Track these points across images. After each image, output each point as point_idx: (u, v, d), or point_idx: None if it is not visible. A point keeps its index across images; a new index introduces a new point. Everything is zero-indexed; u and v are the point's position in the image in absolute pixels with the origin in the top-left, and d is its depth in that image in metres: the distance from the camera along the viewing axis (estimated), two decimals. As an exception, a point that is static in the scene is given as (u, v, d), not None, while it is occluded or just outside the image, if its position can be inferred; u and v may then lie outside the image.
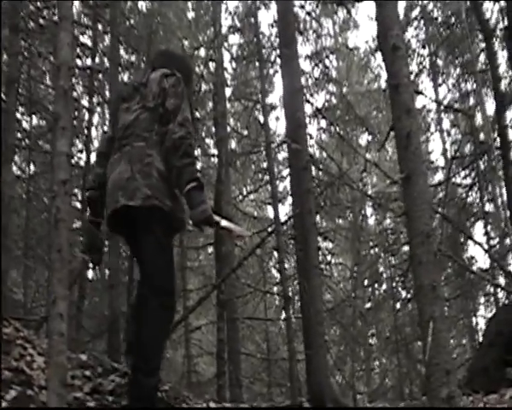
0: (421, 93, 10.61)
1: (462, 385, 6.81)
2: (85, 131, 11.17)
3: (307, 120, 9.97)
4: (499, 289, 11.61)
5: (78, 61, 10.44)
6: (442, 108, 13.58)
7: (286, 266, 11.90)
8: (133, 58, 10.84)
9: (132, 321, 4.41)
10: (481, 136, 10.56)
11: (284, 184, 12.10)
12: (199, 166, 11.86)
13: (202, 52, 10.59)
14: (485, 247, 11.11)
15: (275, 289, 12.20)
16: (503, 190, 6.63)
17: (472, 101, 12.17)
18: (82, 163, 11.03)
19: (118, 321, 9.87)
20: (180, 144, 4.18)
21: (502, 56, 9.57)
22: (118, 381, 4.77)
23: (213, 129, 10.84)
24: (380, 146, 6.14)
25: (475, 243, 10.60)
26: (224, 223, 4.12)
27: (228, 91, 10.84)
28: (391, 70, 3.15)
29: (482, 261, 14.51)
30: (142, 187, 4.19)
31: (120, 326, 9.95)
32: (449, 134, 14.16)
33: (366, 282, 13.57)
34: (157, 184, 4.21)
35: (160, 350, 4.02)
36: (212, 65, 10.26)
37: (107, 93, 11.00)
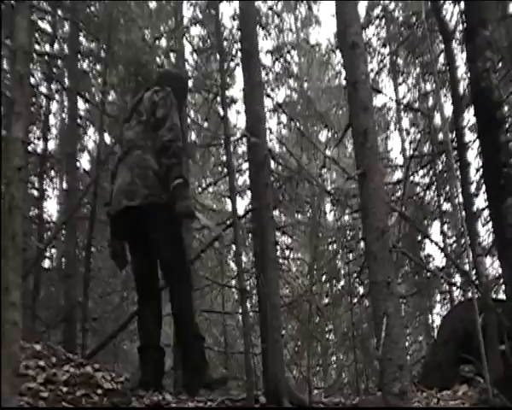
0: (380, 92, 10.71)
1: (416, 381, 6.91)
2: (43, 119, 11.03)
3: (267, 114, 10.03)
4: (455, 288, 11.81)
5: (37, 47, 10.29)
6: (402, 107, 13.72)
7: (244, 259, 11.96)
8: (93, 46, 10.73)
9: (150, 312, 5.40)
10: (440, 136, 10.71)
11: (244, 178, 12.12)
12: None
13: (163, 42, 10.53)
14: (442, 246, 11.29)
15: (233, 282, 12.21)
16: (460, 190, 6.77)
17: (431, 101, 12.34)
18: (39, 150, 10.89)
19: (74, 311, 9.77)
20: (169, 146, 4.97)
21: (461, 58, 9.71)
22: (72, 371, 4.74)
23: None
24: (337, 142, 6.19)
25: (432, 241, 10.75)
26: (203, 221, 5.29)
27: (189, 83, 10.80)
28: (349, 67, 3.17)
29: (439, 260, 14.71)
30: (141, 188, 4.96)
31: (76, 317, 9.86)
32: (408, 133, 14.31)
33: (324, 277, 13.65)
34: (153, 183, 4.97)
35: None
36: (172, 56, 10.21)
37: (66, 80, 10.87)
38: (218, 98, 9.58)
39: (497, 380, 5.25)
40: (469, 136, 10.01)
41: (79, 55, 10.62)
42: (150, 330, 5.50)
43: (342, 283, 13.43)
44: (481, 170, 4.94)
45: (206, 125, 10.76)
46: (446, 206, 12.01)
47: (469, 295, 6.00)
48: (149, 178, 5.07)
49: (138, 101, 5.49)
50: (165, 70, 6.59)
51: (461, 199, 6.29)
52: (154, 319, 5.54)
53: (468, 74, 8.35)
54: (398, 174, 14.06)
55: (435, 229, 12.88)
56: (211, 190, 13.38)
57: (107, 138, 11.11)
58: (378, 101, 17.67)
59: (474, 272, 6.03)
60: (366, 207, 3.02)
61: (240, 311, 11.12)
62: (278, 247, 10.86)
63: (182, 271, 5.12)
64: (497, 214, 3.89)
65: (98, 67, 11.15)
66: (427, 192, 11.42)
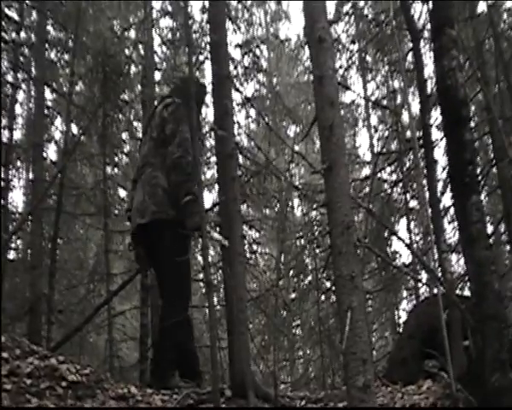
0: (349, 88, 10.77)
1: (381, 376, 6.96)
2: (9, 108, 10.89)
3: (236, 108, 10.02)
4: (420, 284, 11.93)
5: (4, 35, 10.16)
6: (370, 104, 13.80)
7: (211, 252, 11.94)
8: (61, 35, 10.62)
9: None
10: (407, 134, 10.81)
11: (212, 172, 12.11)
12: (127, 149, 11.78)
13: (132, 34, 10.47)
14: (409, 242, 11.39)
15: (200, 275, 12.18)
16: (426, 188, 6.84)
17: (399, 99, 12.45)
18: (5, 140, 10.75)
19: (39, 303, 9.69)
20: (178, 163, 5.20)
21: (429, 57, 9.80)
22: (36, 363, 4.69)
23: (141, 112, 10.76)
24: (303, 136, 6.20)
25: (398, 238, 10.84)
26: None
27: (157, 75, 10.77)
28: (316, 62, 3.18)
29: (406, 256, 14.82)
30: (150, 205, 5.21)
31: (41, 308, 9.77)
32: (376, 130, 14.42)
33: (291, 272, 13.69)
34: (161, 200, 5.21)
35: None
36: (141, 47, 10.16)
37: (33, 69, 10.76)
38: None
39: (461, 375, 5.31)
40: (437, 134, 10.14)
41: (47, 45, 10.51)
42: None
43: (310, 278, 13.49)
44: (448, 168, 4.99)
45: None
46: (413, 203, 12.13)
47: (435, 291, 6.06)
48: (158, 196, 5.31)
49: (152, 114, 5.72)
50: (184, 76, 6.73)
51: (427, 196, 6.34)
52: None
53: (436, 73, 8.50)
54: (366, 171, 14.17)
55: (402, 226, 13.01)
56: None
57: (75, 129, 11.03)
58: (347, 97, 17.76)
59: (439, 268, 6.08)
60: (331, 202, 3.04)
61: (207, 304, 11.10)
62: (246, 241, 10.86)
63: (175, 291, 5.36)
64: (461, 212, 3.93)
65: (66, 56, 11.05)
66: (395, 189, 11.51)
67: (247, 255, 11.33)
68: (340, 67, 12.31)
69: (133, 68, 10.46)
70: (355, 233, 3.15)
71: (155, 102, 6.11)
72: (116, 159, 11.83)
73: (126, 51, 9.82)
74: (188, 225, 5.12)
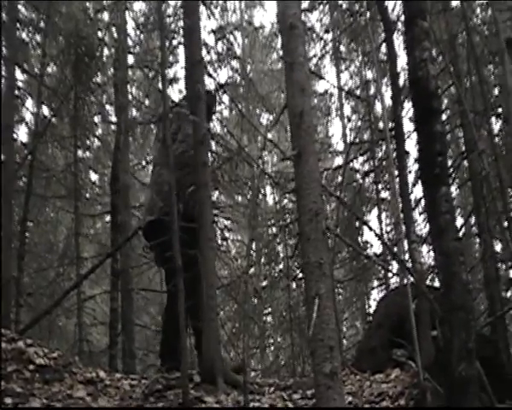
0: (322, 77, 10.78)
1: (350, 364, 7.01)
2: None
3: (209, 94, 9.97)
4: (391, 274, 12.02)
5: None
6: (343, 93, 13.82)
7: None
8: (33, 15, 10.46)
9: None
10: (380, 124, 10.85)
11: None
12: (99, 132, 11.70)
13: (105, 16, 10.35)
14: (380, 232, 11.46)
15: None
16: (397, 179, 6.89)
17: (373, 89, 12.48)
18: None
19: (8, 286, 9.59)
20: (181, 158, 5.51)
21: (403, 49, 9.82)
22: (3, 346, 4.67)
23: (114, 96, 10.67)
24: (273, 123, 6.21)
25: (369, 228, 10.88)
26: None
27: (130, 59, 10.68)
28: (287, 48, 3.19)
29: (377, 246, 14.93)
30: (158, 202, 5.52)
31: (11, 291, 9.68)
32: (349, 120, 14.44)
33: (262, 259, 13.71)
34: (168, 195, 5.15)
35: None
36: (114, 30, 10.06)
37: (4, 49, 10.57)
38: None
39: (429, 365, 5.37)
40: (410, 126, 10.20)
41: (18, 24, 10.34)
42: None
43: (281, 266, 13.52)
44: (418, 159, 5.02)
45: (147, 102, 10.64)
46: (385, 194, 12.20)
47: (404, 281, 6.11)
48: (164, 192, 5.51)
49: (158, 119, 6.21)
50: None
51: (398, 187, 6.38)
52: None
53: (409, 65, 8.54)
54: (339, 160, 14.21)
55: (374, 216, 13.07)
56: (151, 167, 13.25)
57: (46, 111, 10.90)
58: (320, 86, 17.80)
59: (409, 259, 6.13)
60: (300, 188, 3.05)
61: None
62: (217, 228, 10.85)
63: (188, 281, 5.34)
64: (431, 203, 3.95)
65: (38, 37, 10.90)
66: (367, 179, 11.56)
67: (219, 242, 11.32)
68: (314, 56, 12.33)
69: (106, 51, 10.37)
70: (326, 222, 3.16)
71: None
72: (88, 142, 11.72)
73: (99, 34, 9.73)
74: (193, 216, 5.35)
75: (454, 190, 12.08)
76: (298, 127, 3.11)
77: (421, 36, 3.74)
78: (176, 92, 11.17)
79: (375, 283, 13.97)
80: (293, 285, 12.49)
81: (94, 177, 13.16)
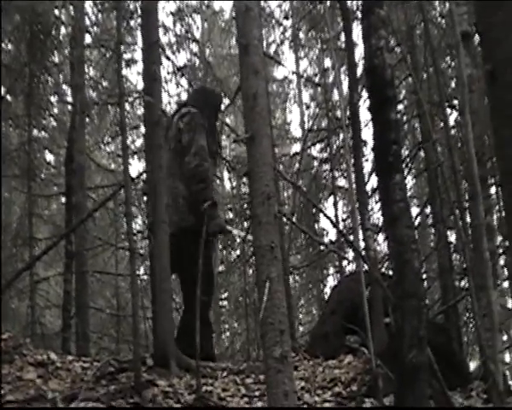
0: (279, 63, 10.78)
1: (304, 350, 7.06)
2: None
3: (168, 77, 9.93)
4: (346, 262, 12.11)
5: None
6: (302, 80, 13.84)
7: (139, 221, 11.83)
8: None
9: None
10: (338, 113, 10.91)
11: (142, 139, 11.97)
12: (55, 112, 11.55)
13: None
14: (336, 220, 11.53)
15: (126, 243, 12.06)
16: (353, 167, 6.93)
17: (331, 77, 12.52)
18: None
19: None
20: (196, 172, 5.60)
21: (361, 37, 9.84)
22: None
23: (70, 76, 10.51)
24: (227, 105, 6.20)
25: (324, 215, 10.95)
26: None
27: (87, 38, 10.53)
28: (242, 30, 3.17)
29: (333, 233, 15.01)
30: (173, 216, 5.52)
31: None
32: (308, 107, 14.48)
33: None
34: (182, 209, 5.62)
35: None
36: (71, 8, 9.90)
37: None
38: (119, 55, 9.40)
39: (381, 351, 5.43)
40: (368, 115, 10.26)
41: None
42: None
43: (238, 251, 13.53)
44: (373, 147, 5.04)
45: (105, 83, 10.53)
46: (341, 181, 12.28)
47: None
48: (179, 206, 5.73)
49: (169, 126, 6.01)
50: (200, 87, 7.02)
51: (353, 175, 6.41)
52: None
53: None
54: (297, 147, 14.25)
55: (331, 203, 13.12)
56: (108, 149, 13.14)
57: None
58: (279, 72, 17.79)
59: (363, 246, 6.17)
60: (253, 171, 3.04)
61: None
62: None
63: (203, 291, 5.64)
64: (385, 191, 3.95)
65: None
66: (323, 167, 11.63)
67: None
68: (273, 41, 12.35)
69: (63, 29, 10.20)
70: (281, 208, 3.15)
71: (171, 112, 6.53)
72: (44, 121, 11.53)
73: (56, 11, 9.56)
74: (211, 229, 5.54)
75: (410, 179, 12.22)
76: (251, 110, 3.10)
77: (377, 24, 3.74)
78: (134, 74, 11.09)
79: (331, 270, 14.07)
80: (250, 270, 12.53)
81: (49, 157, 12.98)
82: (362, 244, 6.08)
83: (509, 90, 2.21)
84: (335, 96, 11.55)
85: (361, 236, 6.06)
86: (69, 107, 11.15)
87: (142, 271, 12.02)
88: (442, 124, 8.28)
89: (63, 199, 11.57)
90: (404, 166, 10.24)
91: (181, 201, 5.75)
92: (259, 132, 3.05)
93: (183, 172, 5.75)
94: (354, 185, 6.32)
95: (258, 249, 3.08)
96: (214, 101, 6.27)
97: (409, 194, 12.32)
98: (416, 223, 11.28)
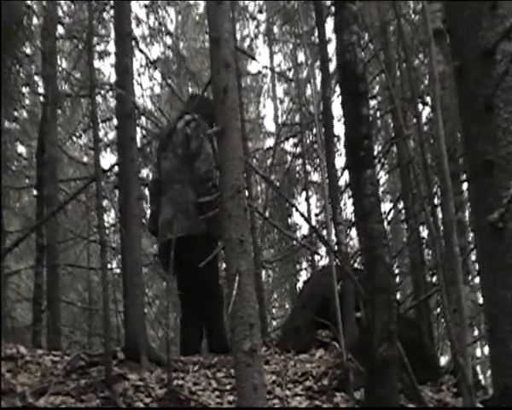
0: (253, 58, 10.77)
1: (275, 344, 7.07)
2: None
3: (141, 70, 9.87)
4: (320, 256, 12.14)
5: None
6: (276, 75, 13.84)
7: (112, 214, 11.77)
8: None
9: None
10: (311, 108, 10.92)
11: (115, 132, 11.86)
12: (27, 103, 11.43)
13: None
14: (309, 214, 11.56)
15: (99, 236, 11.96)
16: (325, 161, 6.94)
17: (305, 72, 12.54)
18: None
19: None
20: (206, 177, 5.72)
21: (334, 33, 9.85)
22: None
23: (41, 67, 10.40)
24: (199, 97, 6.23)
25: (296, 210, 10.97)
26: None
27: (60, 29, 10.42)
28: (213, 23, 3.16)
29: (306, 228, 15.05)
30: (183, 221, 5.63)
31: None
32: (281, 101, 14.50)
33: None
34: (193, 215, 5.67)
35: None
36: (44, -1, 9.80)
37: None
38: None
39: (352, 345, 5.46)
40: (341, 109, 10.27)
41: None
42: (191, 344, 6.51)
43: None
44: (344, 142, 5.07)
45: (77, 75, 10.44)
46: (314, 176, 12.31)
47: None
48: (189, 211, 5.79)
49: (172, 130, 6.06)
50: (197, 94, 7.24)
51: (326, 170, 6.43)
52: (196, 333, 6.62)
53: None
54: (271, 141, 14.25)
55: (304, 198, 13.13)
56: (81, 142, 13.02)
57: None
58: (254, 67, 17.79)
59: (335, 241, 6.19)
60: (223, 165, 3.04)
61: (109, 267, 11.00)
62: (146, 204, 10.77)
63: (215, 294, 6.30)
64: (356, 185, 3.98)
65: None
66: (297, 161, 11.65)
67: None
68: (247, 36, 12.34)
69: (34, 20, 10.09)
70: (255, 202, 3.16)
71: (173, 118, 6.61)
72: (15, 113, 11.40)
73: (28, 1, 9.44)
74: (220, 236, 5.68)
75: (383, 175, 12.29)
76: (222, 103, 3.10)
77: (349, 19, 3.76)
78: (107, 66, 11.00)
79: (304, 264, 14.09)
80: (223, 264, 12.50)
81: (21, 149, 12.85)
82: (334, 239, 6.11)
83: (477, 86, 2.23)
84: (309, 90, 11.58)
85: (330, 229, 6.08)
86: (41, 98, 11.04)
87: (114, 264, 11.97)
88: (414, 120, 8.34)
89: (34, 191, 11.47)
90: (377, 161, 10.32)
91: (191, 207, 5.82)
92: (230, 126, 3.05)
93: (193, 177, 5.82)
94: (326, 180, 6.34)
95: (227, 243, 3.08)
96: (212, 109, 6.37)
97: (382, 189, 12.42)
98: (389, 218, 11.37)
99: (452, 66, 2.44)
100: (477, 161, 2.26)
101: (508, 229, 2.15)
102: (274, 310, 16.50)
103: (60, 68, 10.53)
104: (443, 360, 9.61)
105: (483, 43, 2.23)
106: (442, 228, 5.71)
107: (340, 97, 4.07)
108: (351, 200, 10.27)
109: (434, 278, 9.98)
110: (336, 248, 6.07)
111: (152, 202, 6.30)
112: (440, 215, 6.15)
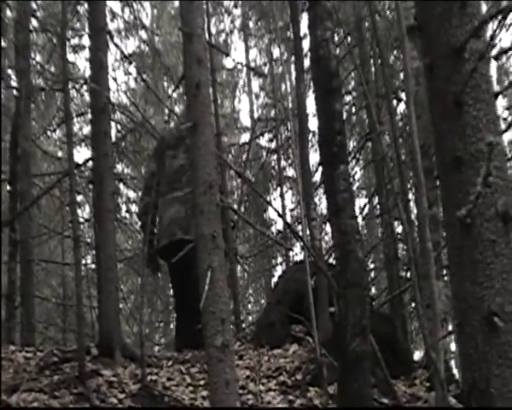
0: (226, 53, 10.75)
1: (249, 339, 7.08)
2: None
3: (116, 64, 9.81)
4: (295, 252, 12.17)
5: None
6: (251, 70, 13.82)
7: (87, 210, 11.69)
8: None
9: None
10: (287, 103, 10.93)
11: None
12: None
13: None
14: (285, 210, 11.58)
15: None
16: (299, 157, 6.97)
17: (280, 68, 12.53)
18: None
19: None
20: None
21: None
22: None
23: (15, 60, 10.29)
24: (171, 94, 6.17)
25: (270, 206, 11.01)
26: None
27: (34, 23, 10.31)
28: (185, 19, 3.16)
29: (281, 223, 15.06)
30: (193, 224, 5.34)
31: None
32: (257, 97, 14.48)
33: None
34: None
35: None
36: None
37: None
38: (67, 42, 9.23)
39: (326, 340, 5.50)
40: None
41: None
42: (186, 338, 6.52)
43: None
44: (318, 137, 5.10)
45: (52, 69, 10.35)
46: (289, 172, 12.32)
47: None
48: None
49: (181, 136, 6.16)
50: None
51: (299, 165, 6.45)
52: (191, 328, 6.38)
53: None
54: (247, 137, 14.23)
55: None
56: (55, 136, 12.91)
57: None
58: (229, 61, 17.74)
59: (309, 236, 6.22)
60: (195, 160, 3.04)
61: (83, 262, 10.94)
62: (121, 200, 10.74)
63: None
64: (329, 181, 4.00)
65: None
66: (272, 157, 11.67)
67: (123, 215, 11.20)
68: (223, 30, 12.32)
69: (8, 13, 9.97)
70: (228, 198, 3.17)
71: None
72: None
73: (-1, -5, 9.34)
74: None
75: (358, 170, 12.34)
76: (194, 98, 3.10)
77: (323, 15, 3.77)
78: (83, 60, 10.91)
79: (280, 259, 14.10)
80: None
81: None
82: (303, 232, 6.13)
83: (447, 83, 2.25)
84: (284, 86, 11.59)
85: (304, 224, 6.11)
86: (14, 92, 10.93)
87: (89, 260, 11.90)
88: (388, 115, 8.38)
89: (8, 186, 11.36)
90: (352, 156, 10.36)
91: None
92: (202, 121, 3.06)
93: None
94: (300, 176, 6.36)
95: (199, 238, 3.09)
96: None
97: (357, 185, 12.47)
98: (364, 213, 11.43)
99: (423, 63, 2.46)
100: (447, 157, 2.28)
101: (476, 225, 2.18)
102: (249, 305, 16.51)
103: (33, 62, 10.44)
104: (418, 355, 9.69)
105: (453, 41, 2.25)
106: (417, 223, 5.76)
107: (314, 93, 4.08)
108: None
109: (408, 273, 10.06)
110: (310, 243, 6.10)
111: (146, 194, 6.32)
112: (415, 210, 6.19)
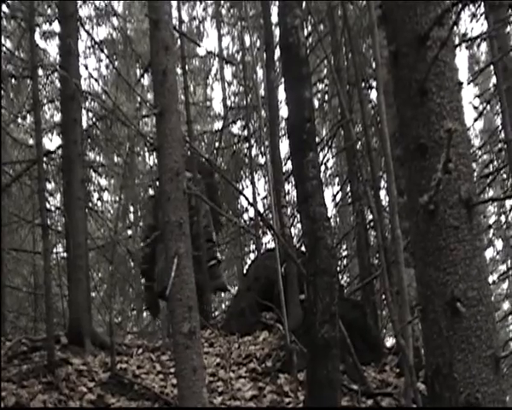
0: (198, 45, 10.68)
1: (220, 327, 7.10)
2: None
3: (87, 51, 9.72)
4: (265, 239, 12.17)
5: None
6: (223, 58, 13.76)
7: (58, 197, 11.57)
8: None
9: None
10: (258, 91, 10.90)
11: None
12: None
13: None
14: (257, 197, 11.57)
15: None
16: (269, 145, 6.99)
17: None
18: None
19: None
20: (205, 232, 6.70)
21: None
22: None
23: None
24: (137, 81, 6.13)
25: (240, 193, 11.00)
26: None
27: (4, 8, 10.16)
28: (152, 5, 3.14)
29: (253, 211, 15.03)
30: None
31: None
32: (229, 84, 14.41)
33: (141, 222, 13.56)
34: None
35: None
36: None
37: None
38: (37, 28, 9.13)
39: (296, 327, 5.53)
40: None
41: None
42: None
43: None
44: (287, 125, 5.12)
45: (22, 55, 10.19)
46: (262, 160, 12.29)
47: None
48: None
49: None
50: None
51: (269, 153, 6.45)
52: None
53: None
54: (219, 124, 14.18)
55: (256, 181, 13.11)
56: (26, 124, 12.74)
57: None
58: (201, 49, 17.64)
59: (279, 224, 6.23)
60: (162, 147, 3.03)
61: (54, 251, 10.87)
62: (92, 188, 10.65)
63: None
64: (298, 168, 4.02)
65: None
66: (244, 145, 11.64)
67: (95, 202, 11.12)
68: (195, 18, 12.24)
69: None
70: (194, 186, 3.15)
71: None
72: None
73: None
74: (214, 286, 7.06)
75: (331, 157, 12.35)
76: (161, 85, 3.09)
77: (293, 3, 3.77)
78: (54, 47, 10.76)
79: (252, 246, 14.10)
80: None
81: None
82: (276, 221, 6.15)
83: (411, 71, 2.26)
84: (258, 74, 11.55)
85: (274, 212, 6.13)
86: (-16, 79, 10.79)
87: (60, 248, 11.79)
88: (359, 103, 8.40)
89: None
90: (324, 144, 10.38)
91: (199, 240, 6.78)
92: (169, 108, 3.04)
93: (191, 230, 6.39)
94: (270, 163, 6.37)
95: (166, 225, 3.08)
96: (209, 169, 7.00)
97: (329, 172, 12.49)
98: (337, 201, 11.47)
99: (388, 50, 2.47)
100: (411, 144, 2.29)
101: (440, 211, 2.19)
102: (222, 293, 16.49)
103: (3, 48, 10.28)
104: (390, 342, 9.76)
105: (417, 28, 2.26)
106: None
107: (283, 80, 4.09)
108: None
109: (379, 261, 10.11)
110: (280, 230, 6.11)
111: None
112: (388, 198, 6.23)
